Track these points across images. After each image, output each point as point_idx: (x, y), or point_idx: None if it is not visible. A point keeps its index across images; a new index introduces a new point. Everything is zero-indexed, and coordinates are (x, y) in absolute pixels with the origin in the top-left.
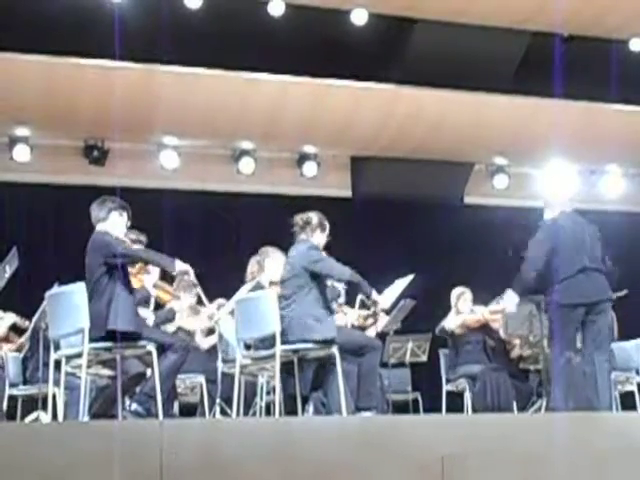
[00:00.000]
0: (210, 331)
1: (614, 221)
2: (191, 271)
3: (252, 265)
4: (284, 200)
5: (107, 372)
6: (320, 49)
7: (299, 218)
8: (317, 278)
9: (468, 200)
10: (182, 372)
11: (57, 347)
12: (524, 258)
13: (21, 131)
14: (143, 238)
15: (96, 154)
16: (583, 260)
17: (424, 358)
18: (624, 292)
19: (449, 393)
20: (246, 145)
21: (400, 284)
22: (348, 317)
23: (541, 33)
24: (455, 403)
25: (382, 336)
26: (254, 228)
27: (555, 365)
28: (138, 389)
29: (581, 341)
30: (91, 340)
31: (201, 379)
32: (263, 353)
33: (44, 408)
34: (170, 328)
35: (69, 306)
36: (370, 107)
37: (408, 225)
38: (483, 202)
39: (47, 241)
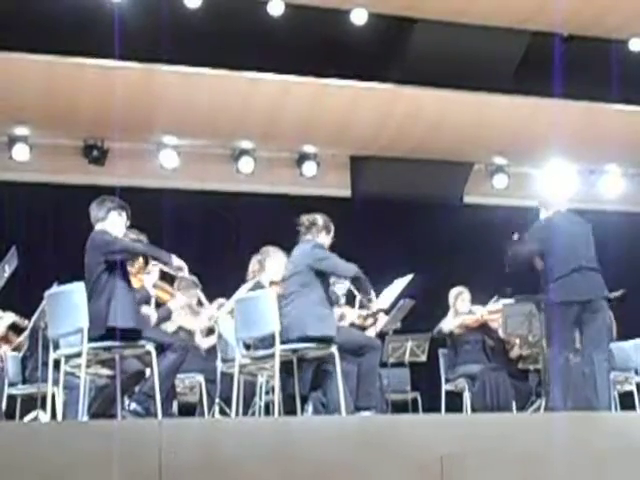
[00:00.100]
0: (210, 331)
1: (613, 221)
2: (185, 268)
3: (253, 264)
4: (284, 200)
5: (106, 372)
6: (320, 49)
7: (305, 219)
8: (321, 277)
9: (468, 200)
10: (181, 372)
11: (56, 346)
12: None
13: (21, 130)
14: (143, 238)
15: (96, 154)
16: (578, 259)
17: (423, 358)
18: (620, 292)
19: (448, 393)
20: (246, 145)
21: (399, 284)
22: (348, 317)
23: (541, 33)
24: (454, 403)
25: (381, 336)
26: (254, 228)
27: (554, 365)
28: (137, 389)
29: (579, 341)
30: (91, 339)
31: (200, 379)
32: (262, 353)
33: (43, 407)
34: (171, 327)
35: (68, 305)
36: (370, 107)
37: (408, 225)
38: (483, 202)
39: (46, 241)
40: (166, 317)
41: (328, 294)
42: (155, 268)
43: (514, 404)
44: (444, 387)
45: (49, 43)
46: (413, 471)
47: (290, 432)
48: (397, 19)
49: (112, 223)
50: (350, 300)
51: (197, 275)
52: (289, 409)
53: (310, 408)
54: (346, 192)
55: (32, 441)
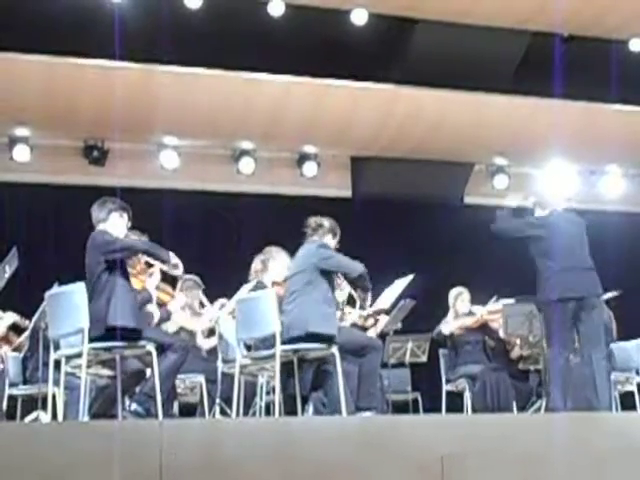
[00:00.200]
0: (211, 332)
1: (614, 221)
2: (181, 266)
3: (256, 264)
4: (284, 200)
5: (107, 372)
6: (320, 49)
7: (312, 221)
8: (326, 276)
9: (468, 200)
10: (182, 372)
11: (57, 347)
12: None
13: (21, 131)
14: (144, 239)
15: (96, 154)
16: (573, 258)
17: (424, 358)
18: (617, 292)
19: (449, 393)
20: (246, 145)
21: (400, 284)
22: (349, 317)
23: (541, 33)
24: (455, 403)
25: (382, 336)
26: (254, 228)
27: (554, 365)
28: (138, 389)
29: (577, 340)
30: (92, 339)
31: (201, 379)
32: (263, 353)
33: (44, 408)
34: (172, 328)
35: (69, 306)
36: (370, 107)
37: (408, 225)
38: (483, 202)
39: (47, 241)
40: (165, 318)
41: (332, 293)
42: (157, 270)
43: (515, 404)
44: (445, 387)
45: (49, 44)
46: (413, 471)
47: (291, 432)
48: (397, 19)
49: (113, 224)
50: (351, 300)
51: (198, 275)
52: (290, 409)
53: (311, 408)
54: (347, 192)
55: (33, 441)
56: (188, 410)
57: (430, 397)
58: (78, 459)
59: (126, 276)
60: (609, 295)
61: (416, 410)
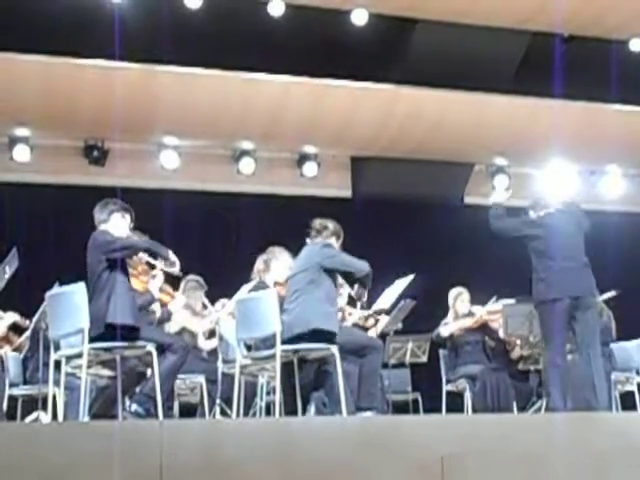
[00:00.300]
0: (212, 333)
1: (614, 221)
2: (178, 263)
3: (259, 263)
4: (284, 200)
5: (107, 372)
6: (320, 49)
7: (317, 222)
8: (330, 275)
9: (468, 200)
10: (182, 372)
11: (57, 347)
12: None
13: (21, 131)
14: (146, 239)
15: (96, 154)
16: (568, 257)
17: (424, 358)
18: (615, 293)
19: (449, 393)
20: (246, 145)
21: (400, 284)
22: (350, 318)
23: (541, 33)
24: (455, 403)
25: (382, 336)
26: (254, 228)
27: (550, 366)
28: (138, 389)
29: (574, 340)
30: (93, 337)
31: (201, 379)
32: (263, 353)
33: (44, 408)
34: (174, 327)
35: (69, 306)
36: (370, 107)
37: (408, 225)
38: (483, 202)
39: (47, 241)
40: (166, 318)
41: (334, 293)
42: (160, 272)
43: (515, 405)
44: (445, 388)
45: (49, 44)
46: (414, 471)
47: (291, 433)
48: (397, 19)
49: (115, 225)
50: (351, 301)
51: (198, 275)
52: (290, 410)
53: (312, 408)
54: (347, 193)
55: (33, 442)
56: (188, 410)
57: (430, 397)
58: (78, 459)
59: (126, 275)
60: (607, 295)
61: (416, 410)
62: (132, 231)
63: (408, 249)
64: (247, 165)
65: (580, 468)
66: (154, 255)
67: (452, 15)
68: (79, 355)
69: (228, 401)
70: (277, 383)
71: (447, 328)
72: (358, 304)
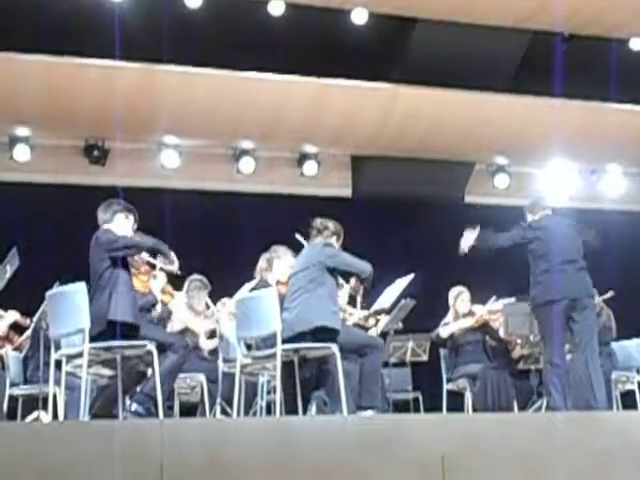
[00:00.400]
0: (213, 333)
1: (614, 220)
2: (177, 263)
3: (262, 261)
4: (284, 199)
5: (107, 372)
6: (320, 49)
7: (318, 222)
8: (331, 275)
9: (469, 199)
10: (183, 371)
11: (58, 347)
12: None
13: (21, 131)
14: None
15: (96, 154)
16: (563, 259)
17: (425, 357)
18: (610, 294)
19: (450, 392)
20: (246, 144)
21: (400, 283)
22: (351, 317)
23: (541, 32)
24: (455, 402)
25: (383, 335)
26: (254, 227)
27: (550, 366)
28: (138, 389)
29: (571, 341)
30: (94, 336)
31: (202, 378)
32: (264, 352)
33: (44, 408)
34: (177, 326)
35: (70, 306)
36: (370, 106)
37: (408, 224)
38: (484, 202)
39: (47, 241)
40: (165, 317)
41: (336, 292)
42: (161, 273)
43: (515, 404)
44: (445, 387)
45: (50, 43)
46: (414, 470)
47: (291, 432)
48: (397, 19)
49: (118, 225)
50: (352, 301)
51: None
52: (290, 409)
53: (313, 408)
54: (347, 192)
55: (33, 441)
56: (189, 410)
57: (431, 396)
58: (79, 459)
59: (129, 274)
60: (604, 297)
61: (417, 409)
62: (135, 232)
63: (408, 248)
64: (247, 164)
65: (580, 467)
66: (155, 253)
67: (452, 14)
68: (80, 354)
69: (229, 400)
70: (277, 382)
71: (446, 329)
72: (358, 304)
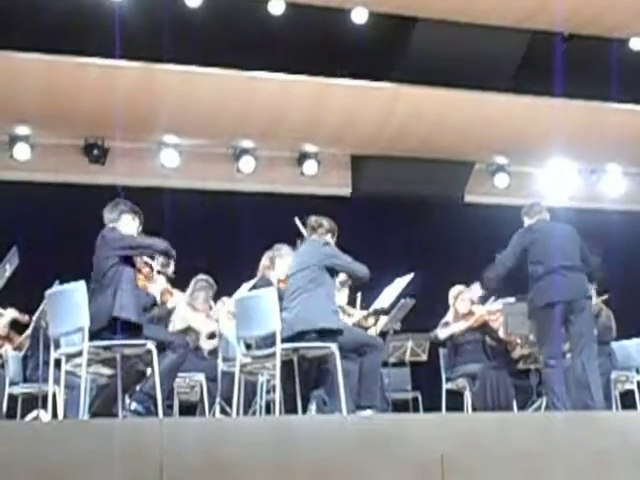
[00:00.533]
0: (213, 334)
1: (614, 220)
2: (172, 267)
3: (265, 259)
4: (284, 199)
5: (107, 371)
6: (320, 48)
7: (313, 220)
8: (330, 274)
9: (469, 199)
10: (182, 370)
11: (57, 346)
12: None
13: (21, 130)
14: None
15: (96, 153)
16: (559, 261)
17: (424, 357)
18: (606, 296)
19: (449, 392)
20: (246, 144)
21: (400, 283)
22: (350, 319)
23: (541, 32)
24: (455, 402)
25: (382, 335)
26: (254, 227)
27: (547, 368)
28: (138, 388)
29: (569, 343)
30: (95, 332)
31: (201, 378)
32: (264, 352)
33: (44, 407)
34: (179, 325)
35: (69, 304)
36: (370, 106)
37: (408, 224)
38: (484, 201)
39: (47, 240)
40: (165, 316)
41: (334, 292)
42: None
43: (515, 403)
44: (445, 386)
45: (50, 42)
46: (414, 470)
47: (291, 431)
48: (398, 18)
49: (125, 224)
50: (351, 301)
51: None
52: (290, 408)
53: (313, 407)
54: (347, 191)
55: (33, 440)
56: (188, 409)
57: (430, 396)
58: (78, 458)
59: (133, 273)
60: (602, 298)
61: (416, 409)
62: (139, 234)
63: (408, 248)
64: (247, 163)
65: (580, 467)
66: (167, 257)
67: (452, 14)
68: (79, 353)
69: (228, 400)
70: (277, 381)
71: (445, 331)
72: (357, 304)
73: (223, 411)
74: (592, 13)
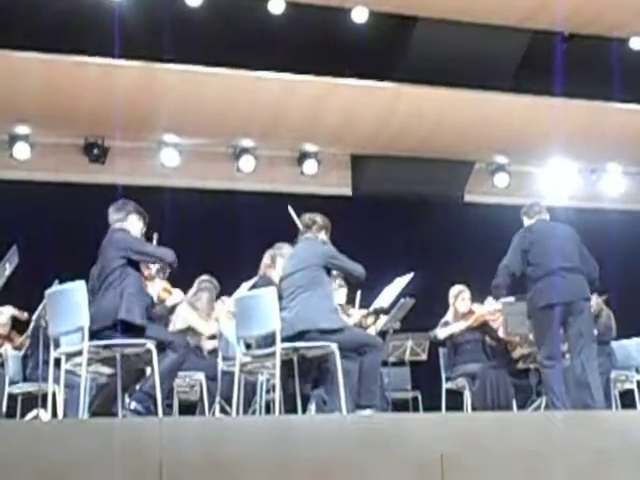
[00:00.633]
0: (213, 335)
1: (614, 220)
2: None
3: (266, 258)
4: (284, 198)
5: (107, 370)
6: (321, 47)
7: (307, 217)
8: (328, 274)
9: (469, 198)
10: (182, 370)
11: (57, 345)
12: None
13: (21, 129)
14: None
15: (96, 152)
16: (558, 262)
17: (424, 356)
18: (604, 297)
19: (449, 391)
20: (246, 143)
21: (400, 283)
22: (350, 319)
23: (542, 31)
24: (455, 401)
25: (382, 334)
26: (254, 226)
27: (545, 369)
28: (137, 387)
29: (566, 344)
30: (96, 332)
31: (201, 377)
32: (264, 351)
33: (44, 406)
34: (180, 325)
35: (69, 304)
36: (371, 105)
37: (408, 223)
38: (484, 200)
39: (47, 239)
40: (164, 315)
41: (332, 290)
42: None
43: (514, 403)
44: (444, 386)
45: (50, 41)
46: (413, 469)
47: (291, 430)
48: (398, 18)
49: (131, 225)
50: (350, 300)
51: (199, 274)
52: (290, 408)
53: (312, 406)
54: (347, 191)
55: (33, 439)
56: (188, 408)
57: (430, 395)
58: (78, 457)
59: (140, 275)
60: (602, 298)
61: (416, 408)
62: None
63: (408, 247)
64: (247, 163)
65: (580, 466)
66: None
67: (453, 13)
68: (79, 352)
69: (228, 399)
70: (277, 381)
71: (444, 331)
72: (357, 303)
73: (223, 410)
74: (592, 13)
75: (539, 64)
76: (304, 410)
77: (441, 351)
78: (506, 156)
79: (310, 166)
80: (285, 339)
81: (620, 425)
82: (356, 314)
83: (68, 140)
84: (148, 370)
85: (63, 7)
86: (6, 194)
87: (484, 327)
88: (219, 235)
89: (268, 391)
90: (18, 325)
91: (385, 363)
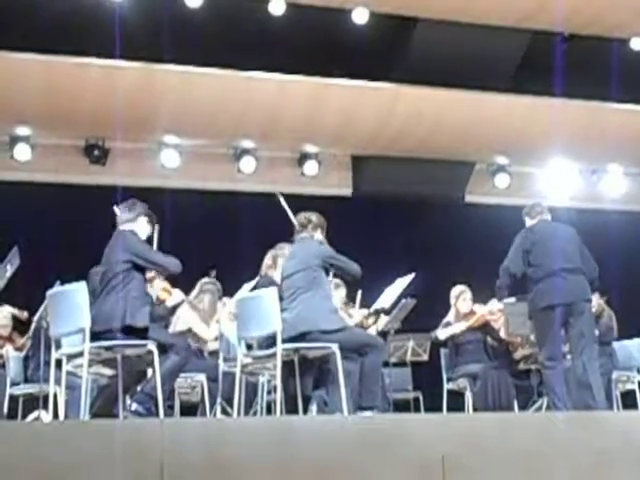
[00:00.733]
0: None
1: (615, 220)
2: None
3: (267, 258)
4: (285, 199)
5: (108, 371)
6: (321, 48)
7: (302, 216)
8: (327, 274)
9: (469, 199)
10: (183, 371)
11: (58, 346)
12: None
13: (22, 130)
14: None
15: (97, 153)
16: (559, 263)
17: (425, 357)
18: (604, 298)
19: (450, 392)
20: (247, 144)
21: (401, 283)
22: (351, 320)
23: (542, 32)
24: (456, 402)
25: (383, 335)
26: (255, 227)
27: (546, 369)
28: (138, 388)
29: (567, 345)
30: (97, 334)
31: (202, 378)
32: (265, 352)
33: (45, 407)
34: (180, 326)
35: (70, 305)
36: (371, 106)
37: (409, 224)
38: (484, 201)
39: (48, 240)
40: (164, 315)
41: (330, 290)
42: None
43: (516, 403)
44: (446, 386)
45: (50, 43)
46: (414, 470)
47: (292, 431)
48: (398, 18)
49: (140, 227)
50: (350, 299)
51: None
52: (291, 409)
53: (314, 407)
54: (347, 191)
55: (34, 441)
56: (189, 409)
57: (431, 396)
58: (79, 458)
59: (145, 279)
60: (604, 298)
61: (417, 409)
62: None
63: (409, 248)
64: (248, 164)
65: (581, 467)
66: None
67: (452, 14)
68: (80, 354)
69: (229, 400)
70: (278, 382)
71: (445, 332)
72: (357, 302)
73: (224, 411)
74: (592, 13)
75: (539, 64)
76: (305, 411)
77: (442, 352)
78: (506, 157)
79: (311, 167)
80: (286, 340)
81: (621, 426)
82: (357, 314)
83: (69, 141)
84: (149, 371)
85: (63, 8)
86: (7, 195)
87: (485, 327)
88: (220, 236)
89: (269, 392)
90: (19, 326)
91: (386, 364)
